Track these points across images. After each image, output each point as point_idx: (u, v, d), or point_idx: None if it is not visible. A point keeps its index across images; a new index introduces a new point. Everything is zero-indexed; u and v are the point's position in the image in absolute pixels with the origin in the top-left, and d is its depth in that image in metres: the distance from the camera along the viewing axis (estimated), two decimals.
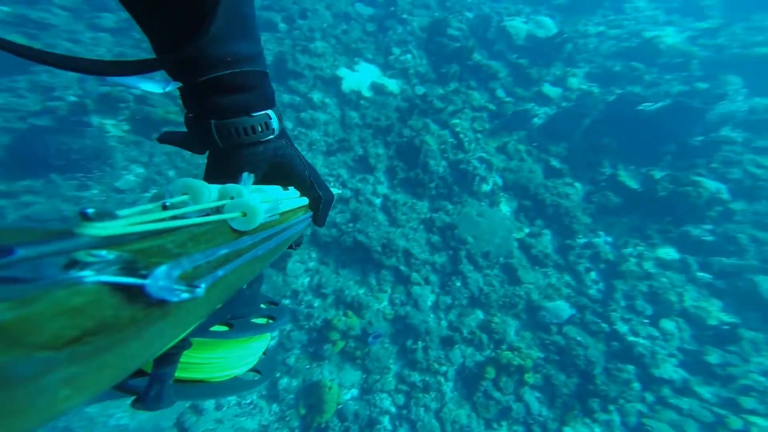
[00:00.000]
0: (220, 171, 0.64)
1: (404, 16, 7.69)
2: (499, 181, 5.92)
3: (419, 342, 4.43)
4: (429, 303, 4.73)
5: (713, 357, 4.53)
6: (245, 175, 0.53)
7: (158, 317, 0.30)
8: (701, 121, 6.14)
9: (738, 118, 6.35)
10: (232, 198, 0.49)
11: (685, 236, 5.43)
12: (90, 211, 0.30)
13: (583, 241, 5.46)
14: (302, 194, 0.74)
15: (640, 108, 6.22)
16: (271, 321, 0.72)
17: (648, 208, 5.63)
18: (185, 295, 0.31)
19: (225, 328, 0.64)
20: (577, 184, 5.99)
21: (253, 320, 0.68)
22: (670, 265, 5.20)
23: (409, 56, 6.97)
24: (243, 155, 0.63)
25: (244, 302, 0.68)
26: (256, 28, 0.60)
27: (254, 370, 0.69)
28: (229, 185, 0.51)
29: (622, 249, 5.36)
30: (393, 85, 6.46)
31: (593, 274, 5.22)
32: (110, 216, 0.32)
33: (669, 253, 5.31)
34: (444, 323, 4.60)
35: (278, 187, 0.69)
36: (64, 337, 0.24)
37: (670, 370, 4.53)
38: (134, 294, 0.28)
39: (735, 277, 5.02)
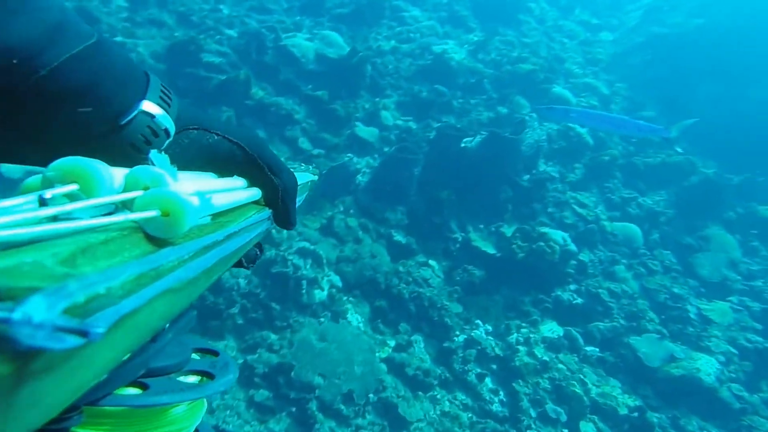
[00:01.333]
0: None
1: (119, 39, 5.53)
2: (337, 281, 4.65)
3: None
4: None
5: None
6: (154, 152, 0.37)
7: (31, 376, 0.21)
8: (519, 155, 5.85)
9: (544, 148, 6.31)
10: (146, 188, 0.34)
11: (559, 304, 5.04)
12: None
13: (462, 338, 4.59)
14: (252, 183, 0.56)
15: (462, 145, 5.65)
16: (206, 380, 0.52)
17: (513, 276, 5.07)
18: (73, 341, 0.21)
19: (137, 391, 0.46)
20: (432, 262, 5.09)
21: (179, 378, 0.51)
22: (558, 344, 4.74)
23: None
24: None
25: (167, 351, 0.49)
26: None
27: None
28: (142, 168, 0.34)
29: (506, 337, 4.69)
30: None
31: (488, 381, 4.42)
32: None
33: (552, 329, 4.85)
34: None
35: (212, 174, 0.51)
36: None
37: None
38: None
39: (615, 344, 4.81)
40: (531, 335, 4.70)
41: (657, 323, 4.94)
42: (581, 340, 4.76)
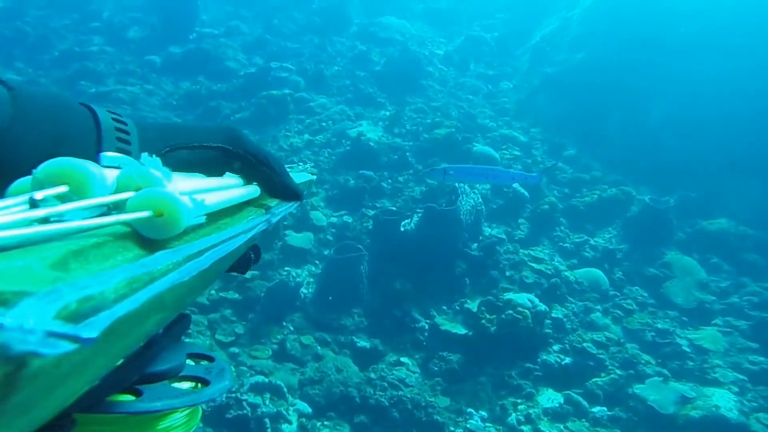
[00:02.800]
0: None
1: None
2: (305, 408, 4.26)
3: None
4: None
5: None
6: (145, 155, 0.38)
7: (23, 381, 0.21)
8: (460, 225, 5.74)
9: (483, 212, 6.19)
10: (139, 189, 0.35)
11: (548, 368, 4.84)
12: None
13: (454, 431, 4.32)
14: (245, 177, 0.59)
15: (402, 229, 5.52)
16: (201, 386, 0.53)
17: (493, 352, 4.84)
18: (66, 346, 0.22)
19: (130, 398, 0.46)
20: (404, 359, 4.83)
21: (173, 385, 0.51)
22: (561, 413, 4.48)
23: None
24: None
25: (161, 356, 0.51)
26: None
27: None
28: (135, 168, 0.36)
29: (505, 420, 4.39)
30: None
31: None
32: None
33: (550, 397, 4.62)
34: None
35: (199, 175, 0.52)
36: None
37: None
38: None
39: (621, 398, 4.59)
40: (530, 410, 4.47)
41: (654, 365, 4.86)
42: (585, 403, 4.56)
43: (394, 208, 6.07)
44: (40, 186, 0.31)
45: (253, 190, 0.57)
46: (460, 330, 4.98)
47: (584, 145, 8.21)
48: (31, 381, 0.21)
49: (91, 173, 0.33)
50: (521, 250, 5.97)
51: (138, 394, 0.47)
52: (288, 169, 0.67)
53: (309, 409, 4.21)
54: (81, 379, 0.26)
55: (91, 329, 0.23)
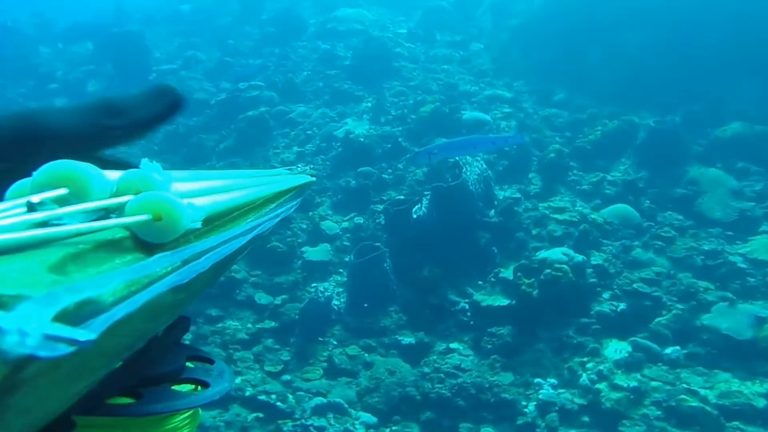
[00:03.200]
0: None
1: None
2: (369, 418, 4.14)
3: None
4: None
5: None
6: (145, 160, 0.38)
7: (21, 384, 0.22)
8: (471, 196, 5.52)
9: (491, 176, 6.01)
10: (138, 192, 0.35)
11: (604, 319, 4.63)
12: None
13: (532, 406, 4.11)
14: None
15: (415, 216, 5.38)
16: (201, 388, 0.52)
17: (543, 315, 4.67)
18: (64, 349, 0.22)
19: (129, 401, 0.45)
20: (454, 345, 4.65)
21: (173, 387, 0.50)
22: (634, 361, 4.28)
23: None
24: None
25: (160, 359, 0.50)
26: None
27: None
28: (135, 171, 0.36)
29: (577, 382, 4.21)
30: None
31: None
32: None
33: (617, 348, 4.41)
34: None
35: (207, 175, 0.50)
36: None
37: None
38: None
39: (691, 332, 4.40)
40: (600, 366, 4.29)
41: (715, 290, 4.66)
42: (655, 346, 4.37)
43: (402, 197, 5.90)
44: (40, 188, 0.32)
45: (257, 191, 0.56)
46: (503, 301, 4.81)
47: (572, 87, 8.00)
48: (29, 384, 0.22)
49: (90, 176, 0.33)
50: (540, 204, 5.79)
51: (137, 396, 0.46)
52: (287, 172, 0.67)
53: (374, 419, 4.08)
54: (80, 381, 0.27)
55: (89, 332, 0.23)
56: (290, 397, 4.24)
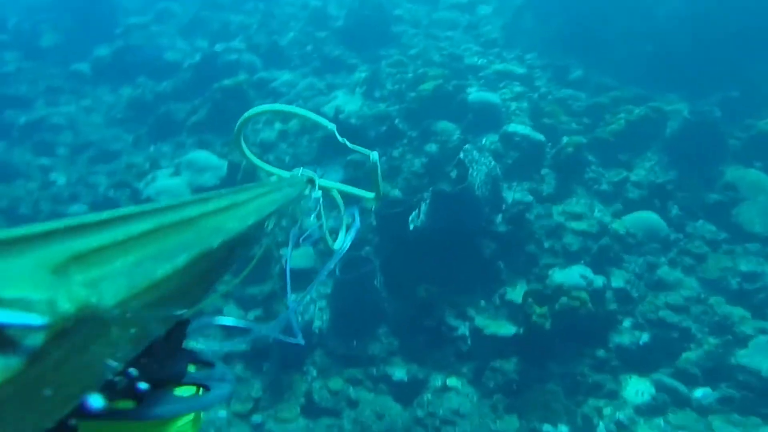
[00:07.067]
0: None
1: None
2: None
3: None
4: None
5: None
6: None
7: (25, 381, 0.23)
8: (477, 203, 4.97)
9: (499, 174, 5.42)
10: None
11: (625, 353, 4.23)
12: None
13: None
14: None
15: (411, 226, 4.84)
16: (203, 391, 0.55)
17: (554, 347, 4.22)
18: (65, 348, 0.25)
19: (130, 404, 0.47)
20: (451, 381, 4.22)
21: (175, 390, 0.53)
22: (657, 405, 3.90)
23: None
24: None
25: (161, 361, 0.51)
26: None
27: None
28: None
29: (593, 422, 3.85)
30: None
31: None
32: None
33: (638, 389, 4.01)
34: None
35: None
36: None
37: None
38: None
39: (724, 372, 4.02)
40: (619, 413, 3.89)
41: (752, 319, 4.23)
42: (682, 387, 3.98)
43: (397, 192, 5.40)
44: None
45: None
46: (509, 330, 4.37)
47: (590, 62, 7.41)
48: (33, 380, 0.23)
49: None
50: (554, 208, 5.30)
51: (140, 400, 0.47)
52: (286, 175, 0.84)
53: None
54: (81, 381, 0.28)
55: (88, 329, 0.25)
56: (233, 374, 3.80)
